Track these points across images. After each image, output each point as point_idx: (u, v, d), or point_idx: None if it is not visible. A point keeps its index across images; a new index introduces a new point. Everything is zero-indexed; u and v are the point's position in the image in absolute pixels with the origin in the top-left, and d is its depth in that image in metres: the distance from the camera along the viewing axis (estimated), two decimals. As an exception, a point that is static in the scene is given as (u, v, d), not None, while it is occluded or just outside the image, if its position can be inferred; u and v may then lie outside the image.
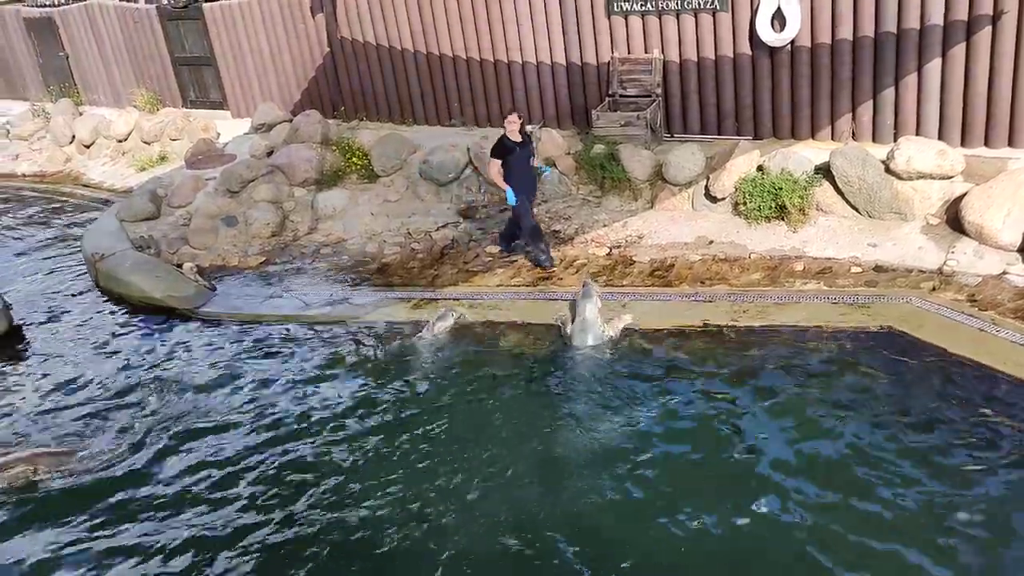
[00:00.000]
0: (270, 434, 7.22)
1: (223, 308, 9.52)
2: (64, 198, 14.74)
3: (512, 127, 8.85)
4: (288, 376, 8.05)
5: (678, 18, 10.32)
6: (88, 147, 15.89)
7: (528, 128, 10.94)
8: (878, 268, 8.24)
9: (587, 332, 7.78)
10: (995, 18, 8.61)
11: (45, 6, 17.43)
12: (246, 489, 6.58)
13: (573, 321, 7.92)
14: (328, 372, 8.04)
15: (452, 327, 8.31)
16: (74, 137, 16.06)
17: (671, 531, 5.66)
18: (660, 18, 10.42)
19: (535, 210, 9.44)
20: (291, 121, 13.03)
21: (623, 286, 8.66)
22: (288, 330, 8.89)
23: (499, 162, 8.87)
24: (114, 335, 9.34)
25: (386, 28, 12.54)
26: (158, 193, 12.13)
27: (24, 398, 8.29)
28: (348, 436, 7.06)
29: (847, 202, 8.96)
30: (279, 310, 9.29)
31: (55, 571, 6.04)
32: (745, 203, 9.20)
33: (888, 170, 8.69)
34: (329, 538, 5.98)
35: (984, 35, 8.75)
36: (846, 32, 9.42)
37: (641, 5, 10.44)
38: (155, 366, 8.52)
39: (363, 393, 7.66)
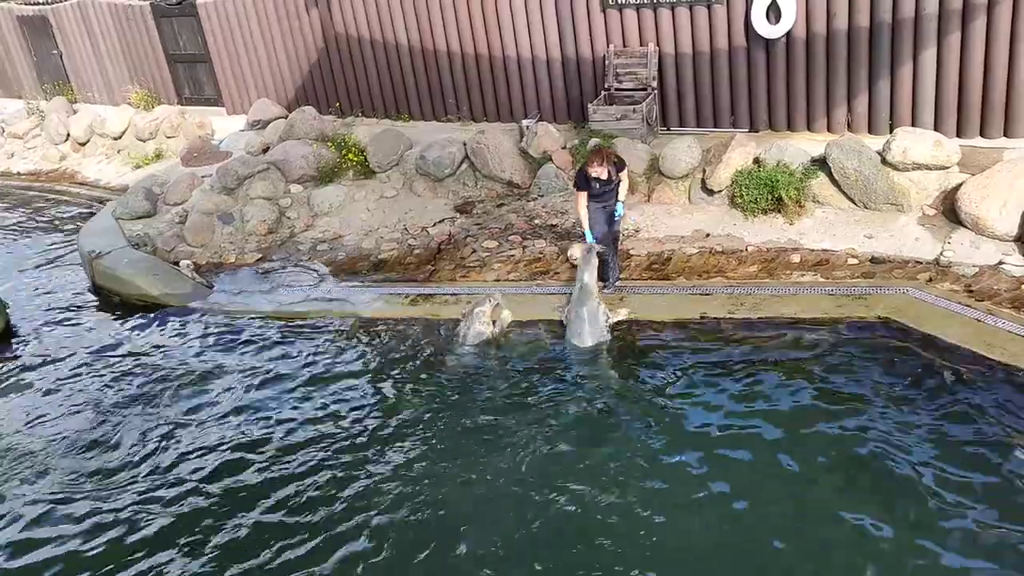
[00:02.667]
0: (268, 432, 7.23)
1: (220, 305, 9.51)
2: (59, 196, 14.72)
3: (596, 169, 7.94)
4: (283, 371, 8.05)
5: (673, 11, 10.32)
6: (83, 145, 15.87)
7: (525, 123, 10.98)
8: (875, 259, 8.25)
9: (586, 326, 7.78)
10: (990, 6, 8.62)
11: (39, 4, 17.36)
12: (248, 487, 6.59)
13: (571, 315, 7.92)
14: (324, 367, 8.03)
15: (492, 317, 8.02)
16: (69, 135, 16.04)
17: (665, 522, 5.69)
18: (655, 11, 10.42)
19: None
20: (287, 117, 13.01)
21: (621, 279, 8.65)
22: (284, 326, 8.88)
23: (584, 195, 8.09)
24: (111, 333, 9.33)
25: (381, 23, 12.52)
26: (154, 191, 12.12)
27: (21, 396, 8.28)
28: (344, 432, 7.07)
29: (843, 194, 8.97)
30: (276, 307, 9.28)
31: (54, 564, 6.08)
32: (742, 196, 9.21)
33: (884, 161, 8.70)
34: (332, 534, 6.00)
35: (979, 25, 8.76)
36: (841, 24, 9.43)
37: (636, -2, 10.44)
38: (153, 364, 8.52)
39: (358, 389, 7.66)
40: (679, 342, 7.64)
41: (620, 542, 5.57)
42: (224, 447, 7.09)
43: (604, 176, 7.97)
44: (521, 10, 11.31)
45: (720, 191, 9.49)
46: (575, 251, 8.52)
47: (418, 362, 7.94)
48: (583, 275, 7.87)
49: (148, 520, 6.37)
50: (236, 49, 14.42)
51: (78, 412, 7.87)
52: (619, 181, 8.14)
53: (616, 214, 8.25)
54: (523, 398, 7.21)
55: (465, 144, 11.08)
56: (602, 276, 8.34)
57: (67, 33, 16.97)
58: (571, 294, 8.06)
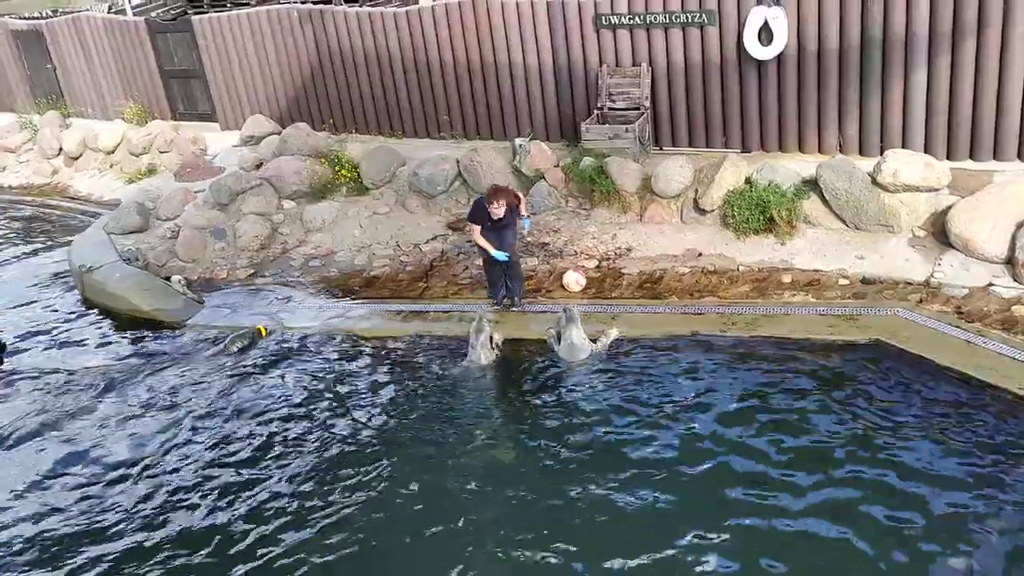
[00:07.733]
0: (265, 444, 7.20)
1: (211, 321, 9.48)
2: (51, 210, 14.66)
3: (495, 210, 8.18)
4: (275, 384, 8.03)
5: (666, 32, 10.39)
6: (76, 159, 15.83)
7: (518, 141, 11.00)
8: (865, 280, 8.29)
9: (575, 351, 7.82)
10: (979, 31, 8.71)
11: (33, 18, 17.38)
12: (244, 505, 6.56)
13: (559, 341, 7.93)
14: (312, 384, 8.02)
15: (489, 335, 7.99)
16: (61, 149, 16.01)
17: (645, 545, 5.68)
18: (648, 32, 10.49)
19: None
20: (280, 133, 13.03)
21: (612, 298, 8.67)
22: (275, 342, 8.85)
23: (478, 228, 8.41)
24: (101, 348, 9.28)
25: (375, 40, 12.57)
26: (146, 205, 12.09)
27: (11, 411, 8.22)
28: (341, 443, 7.05)
29: (835, 214, 9.02)
30: (267, 322, 9.24)
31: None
32: (733, 215, 9.25)
33: (875, 183, 8.75)
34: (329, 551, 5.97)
35: (969, 49, 8.85)
36: (832, 46, 9.51)
37: (629, 19, 10.51)
38: (147, 380, 8.45)
39: (349, 407, 7.64)
40: (670, 361, 7.64)
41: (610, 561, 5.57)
42: (214, 459, 7.06)
43: (501, 214, 8.19)
44: (515, 29, 11.37)
45: (712, 211, 9.53)
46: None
47: (412, 378, 7.93)
48: (570, 332, 7.84)
49: (143, 530, 6.33)
50: (230, 65, 14.44)
51: (66, 424, 7.81)
52: (513, 218, 8.39)
53: (524, 227, 8.79)
54: (514, 415, 7.23)
55: (458, 161, 11.11)
56: (493, 291, 8.73)
57: (61, 47, 16.98)
58: (557, 322, 8.08)
